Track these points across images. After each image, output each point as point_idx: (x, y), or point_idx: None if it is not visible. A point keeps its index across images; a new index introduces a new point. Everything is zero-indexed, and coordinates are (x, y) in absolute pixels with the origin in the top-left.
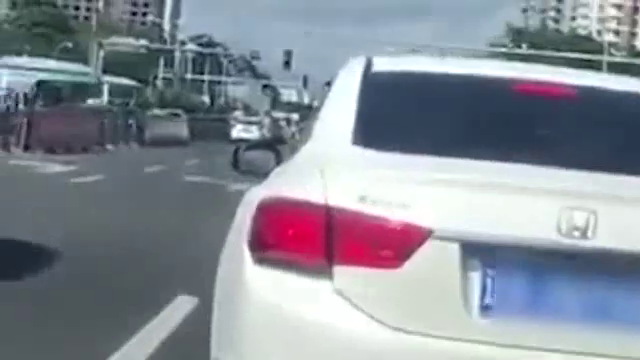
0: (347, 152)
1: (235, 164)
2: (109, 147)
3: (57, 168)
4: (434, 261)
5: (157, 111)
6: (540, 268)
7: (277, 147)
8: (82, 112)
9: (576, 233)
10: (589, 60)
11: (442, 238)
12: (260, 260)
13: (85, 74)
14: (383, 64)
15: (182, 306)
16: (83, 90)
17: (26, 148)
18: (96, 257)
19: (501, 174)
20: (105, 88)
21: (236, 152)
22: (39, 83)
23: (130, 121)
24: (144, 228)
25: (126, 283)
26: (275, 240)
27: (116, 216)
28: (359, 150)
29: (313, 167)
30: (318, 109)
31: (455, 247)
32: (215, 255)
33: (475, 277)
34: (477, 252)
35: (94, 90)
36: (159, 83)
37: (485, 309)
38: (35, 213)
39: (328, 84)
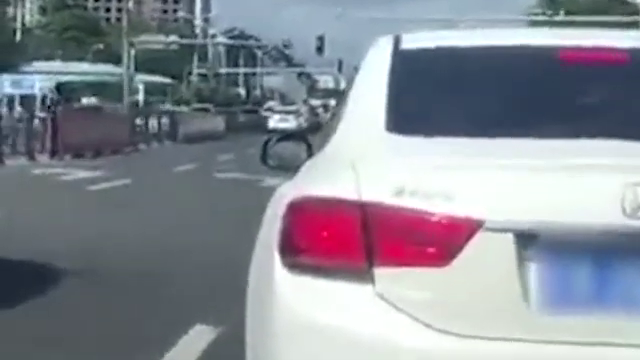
0: (380, 140)
1: (264, 158)
2: (141, 147)
3: (82, 174)
4: (486, 255)
5: (183, 108)
6: (605, 255)
7: (308, 138)
8: (112, 113)
9: None
10: (626, 23)
11: (494, 229)
12: (292, 266)
13: (113, 74)
14: (413, 40)
15: (201, 337)
16: (107, 90)
17: (53, 154)
18: (104, 276)
19: (554, 153)
20: (141, 87)
21: (265, 145)
22: (58, 86)
23: (163, 119)
24: (160, 240)
25: (136, 308)
26: (307, 243)
27: (133, 227)
28: (393, 137)
29: (344, 160)
30: (346, 95)
31: (509, 238)
32: (238, 272)
33: (534, 270)
34: (534, 242)
35: (115, 89)
36: (194, 79)
37: (547, 305)
38: (45, 227)
39: (357, 68)
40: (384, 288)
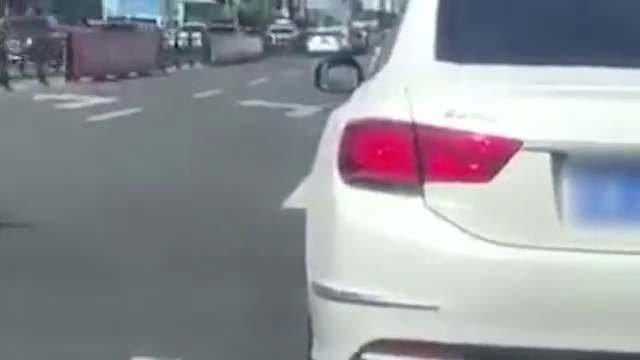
0: (430, 68)
1: (318, 83)
2: (170, 70)
3: (93, 101)
4: (525, 172)
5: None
6: (635, 173)
7: (358, 62)
8: (138, 33)
9: None
10: None
11: (532, 149)
12: (350, 180)
13: None
14: None
15: None
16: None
17: (68, 77)
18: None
19: (590, 80)
20: (180, 7)
21: (318, 70)
22: None
23: (194, 40)
24: (135, 198)
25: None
26: (364, 160)
27: (105, 170)
28: (442, 65)
29: (396, 85)
30: (398, 21)
31: (546, 157)
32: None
33: (567, 186)
34: (568, 161)
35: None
36: (236, 0)
37: (579, 218)
38: None
39: None
40: (434, 201)
